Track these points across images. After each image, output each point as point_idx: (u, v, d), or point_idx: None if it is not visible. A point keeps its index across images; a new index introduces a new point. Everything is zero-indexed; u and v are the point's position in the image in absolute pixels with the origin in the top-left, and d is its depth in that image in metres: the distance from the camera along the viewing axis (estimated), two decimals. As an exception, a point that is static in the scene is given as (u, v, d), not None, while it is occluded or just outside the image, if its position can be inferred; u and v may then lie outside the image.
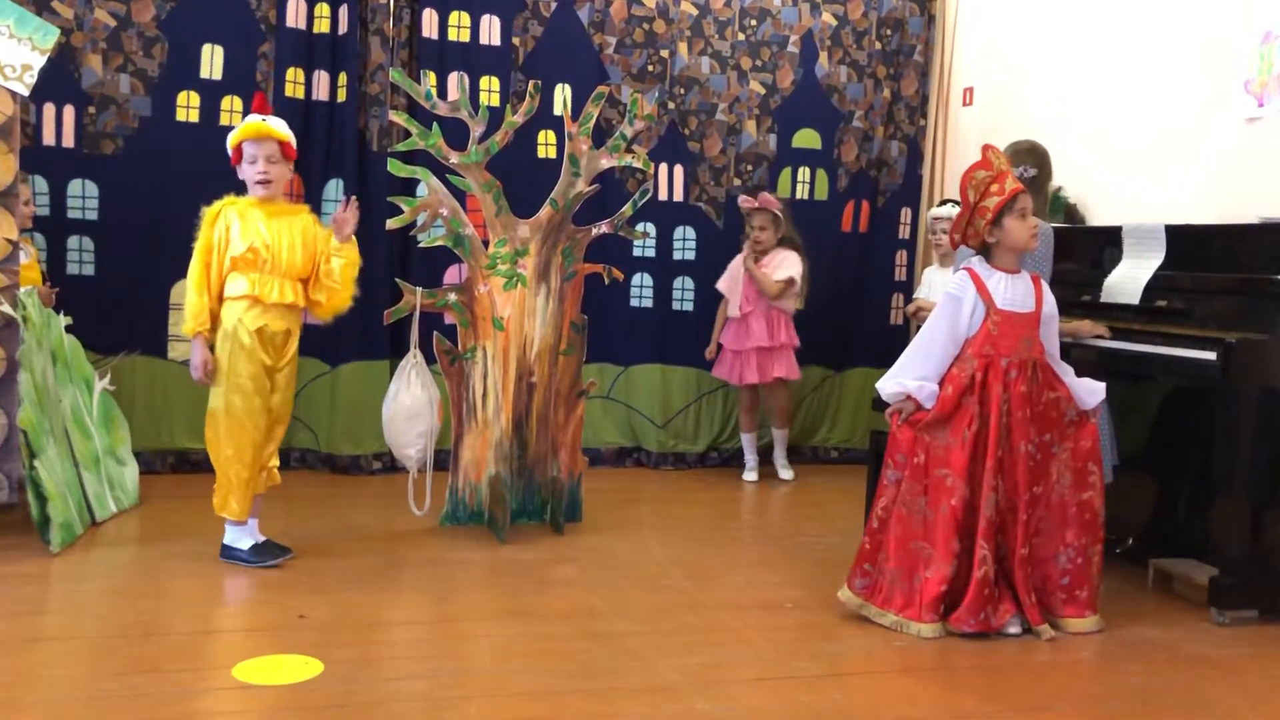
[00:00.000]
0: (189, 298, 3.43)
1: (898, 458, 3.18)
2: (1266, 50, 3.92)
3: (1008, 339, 3.11)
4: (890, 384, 3.21)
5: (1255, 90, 3.96)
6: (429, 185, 3.90)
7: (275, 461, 3.63)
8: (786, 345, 5.11)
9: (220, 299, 3.45)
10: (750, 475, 5.24)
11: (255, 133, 3.45)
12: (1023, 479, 3.09)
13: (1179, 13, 4.32)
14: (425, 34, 4.97)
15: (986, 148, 3.20)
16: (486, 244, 3.98)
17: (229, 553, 3.52)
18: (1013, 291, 3.15)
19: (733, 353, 5.13)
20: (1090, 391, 3.18)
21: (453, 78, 4.97)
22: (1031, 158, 3.66)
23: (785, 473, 5.30)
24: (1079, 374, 3.27)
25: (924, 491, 3.13)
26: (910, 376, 3.18)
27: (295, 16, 4.77)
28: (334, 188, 4.88)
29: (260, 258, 3.42)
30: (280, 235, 3.46)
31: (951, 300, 3.18)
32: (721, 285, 5.17)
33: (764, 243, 5.03)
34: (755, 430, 5.29)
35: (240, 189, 3.54)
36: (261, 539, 3.58)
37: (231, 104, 4.73)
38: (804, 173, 5.52)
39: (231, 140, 3.48)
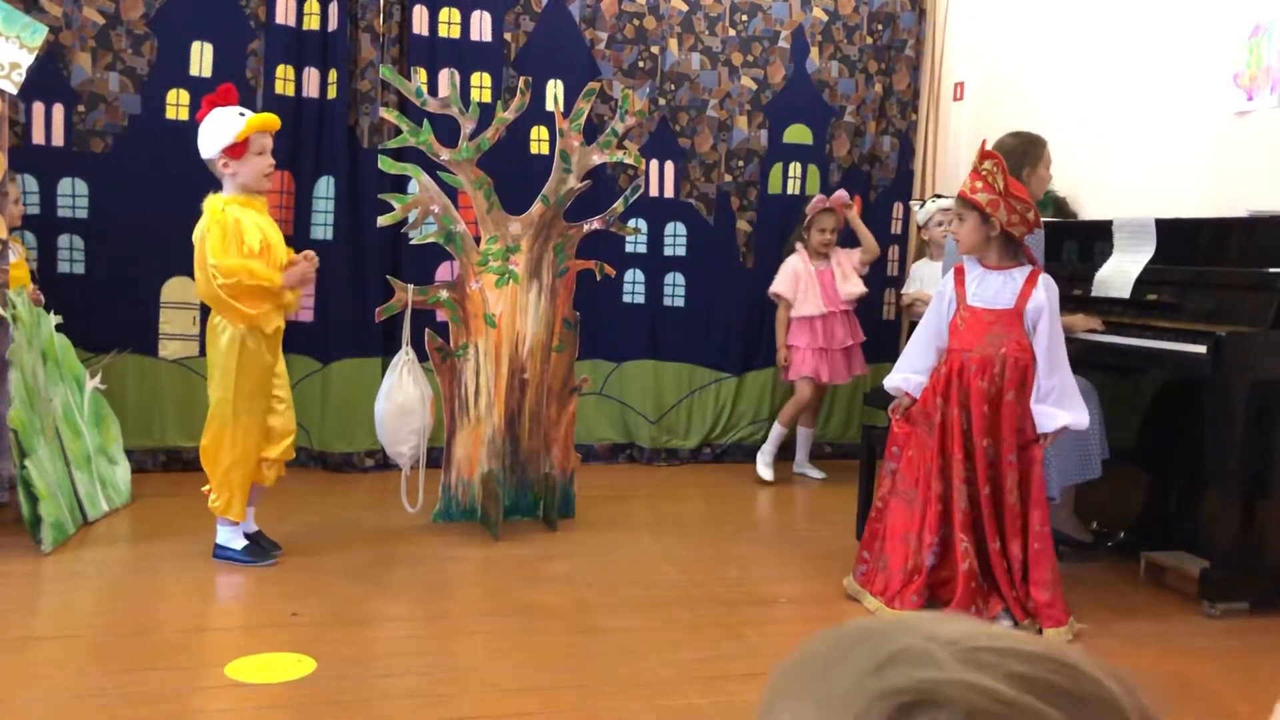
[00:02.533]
0: (250, 285, 3.28)
1: (893, 450, 3.26)
2: (1255, 44, 3.92)
3: (971, 334, 3.14)
4: (888, 379, 3.35)
5: (1244, 84, 3.97)
6: (420, 182, 3.89)
7: (292, 455, 3.62)
8: (859, 341, 5.15)
9: None
10: (768, 474, 5.09)
11: (269, 125, 3.41)
12: (980, 475, 3.11)
13: (1168, 6, 4.33)
14: (416, 30, 4.96)
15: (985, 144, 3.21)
16: (478, 241, 3.97)
17: (222, 552, 3.52)
18: (986, 288, 3.16)
19: (819, 351, 5.04)
20: (1045, 415, 3.06)
21: (443, 74, 4.92)
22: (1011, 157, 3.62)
23: (817, 472, 5.22)
24: (1071, 367, 3.26)
25: (915, 483, 3.18)
26: (902, 371, 3.30)
27: (285, 13, 4.76)
28: (325, 185, 4.87)
29: (265, 255, 3.38)
30: (273, 231, 3.45)
31: (937, 296, 3.30)
32: (782, 288, 5.06)
33: (830, 244, 5.05)
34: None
35: (216, 188, 3.43)
36: (254, 529, 3.59)
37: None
38: (795, 168, 5.52)
39: (240, 134, 3.33)
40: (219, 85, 3.52)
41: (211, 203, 3.37)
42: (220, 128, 3.36)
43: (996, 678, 0.51)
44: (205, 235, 3.32)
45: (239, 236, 3.31)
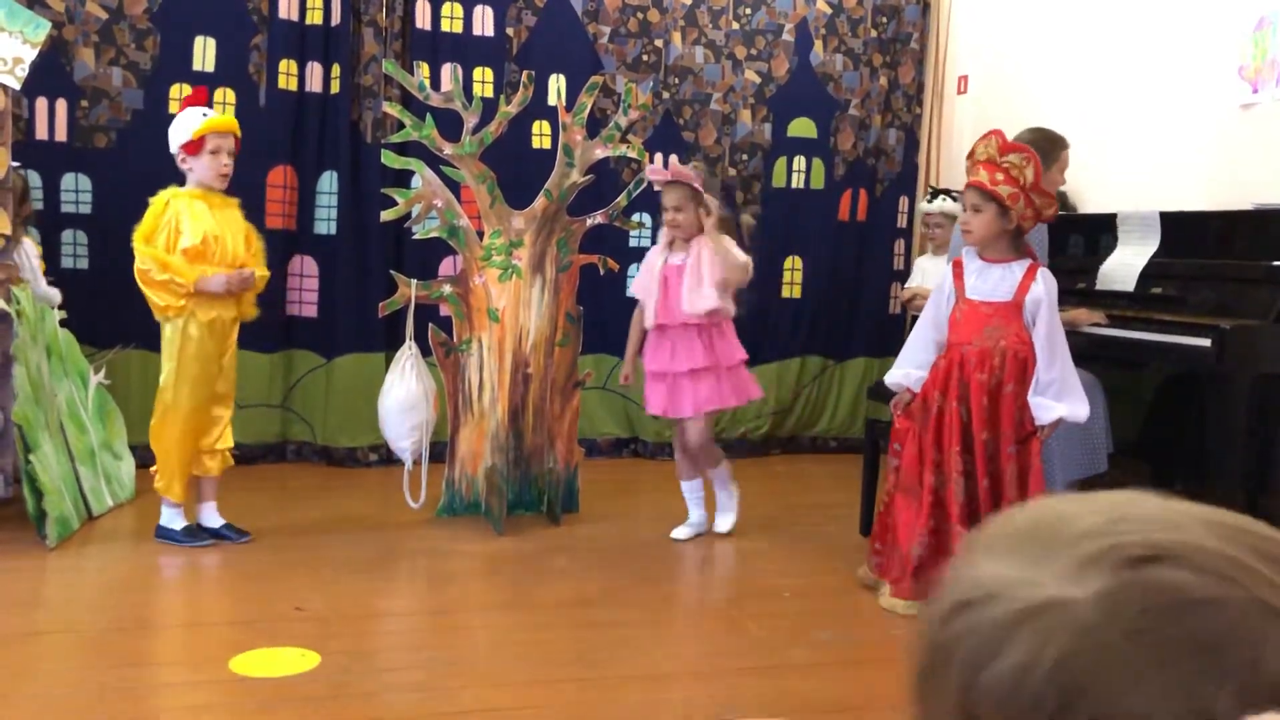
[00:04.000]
0: (160, 279, 3.41)
1: (895, 446, 3.27)
2: (1260, 36, 3.91)
3: (969, 326, 3.14)
4: (889, 375, 3.34)
5: (1249, 76, 3.95)
6: (423, 177, 3.89)
7: (230, 443, 3.74)
8: (733, 363, 3.81)
9: None
10: (684, 532, 3.92)
11: (224, 126, 3.56)
12: (980, 468, 3.11)
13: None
14: (418, 25, 4.95)
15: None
16: (481, 235, 3.97)
17: (163, 533, 3.62)
18: (985, 280, 3.15)
19: (658, 376, 3.81)
20: (1042, 408, 3.05)
21: (446, 69, 4.96)
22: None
23: (724, 522, 3.98)
24: (1075, 362, 3.26)
25: (917, 477, 3.18)
26: (902, 366, 3.30)
27: (287, 8, 4.76)
28: (328, 180, 4.87)
29: (210, 249, 3.50)
30: (224, 226, 3.56)
31: (936, 290, 3.30)
32: (637, 289, 3.91)
33: (681, 227, 3.73)
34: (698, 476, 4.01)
35: (154, 180, 3.60)
36: (219, 522, 3.70)
37: (224, 96, 4.72)
38: (799, 162, 5.51)
39: (196, 132, 3.48)
40: (195, 88, 3.70)
41: (160, 193, 3.55)
42: (183, 125, 3.54)
43: (1238, 548, 0.49)
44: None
45: (173, 229, 3.46)
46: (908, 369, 3.27)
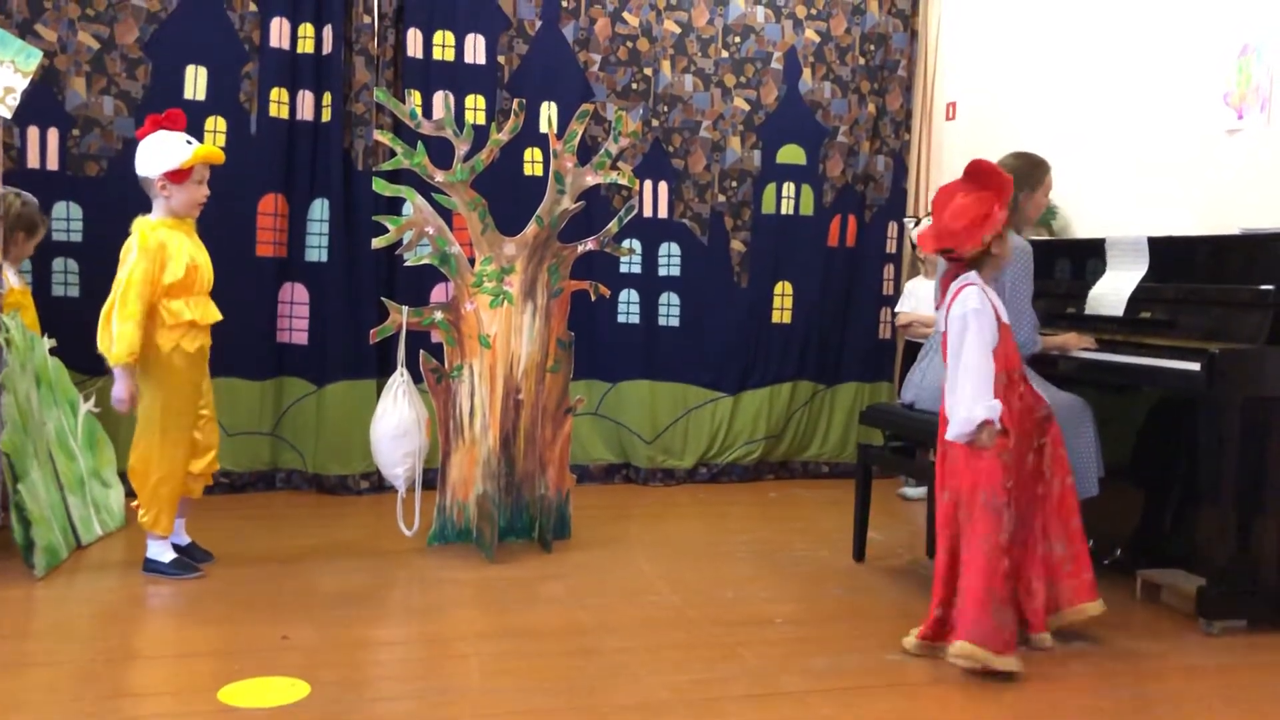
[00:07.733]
0: (124, 327, 3.34)
1: (1007, 485, 2.96)
2: (1245, 63, 3.95)
3: (1009, 349, 3.12)
4: (980, 411, 2.92)
5: (1234, 103, 4.00)
6: (414, 204, 3.90)
7: (217, 467, 3.75)
8: None
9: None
10: None
11: (215, 158, 3.54)
12: (1030, 483, 3.12)
13: (1159, 27, 4.36)
14: (410, 53, 4.98)
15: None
16: (473, 262, 3.98)
17: (152, 566, 3.57)
18: (999, 303, 3.16)
19: None
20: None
21: (438, 96, 4.98)
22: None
23: None
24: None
25: (1028, 514, 3.15)
26: (986, 402, 2.95)
27: (279, 37, 4.78)
28: (319, 208, 4.87)
29: (192, 278, 3.48)
30: (199, 254, 3.56)
31: (980, 316, 2.98)
32: None
33: None
34: None
35: (147, 208, 3.52)
36: (185, 540, 3.69)
37: (216, 124, 4.73)
38: (789, 188, 5.54)
39: (186, 162, 3.43)
40: (168, 110, 3.60)
41: (140, 225, 3.47)
42: (166, 150, 3.47)
43: None
44: (127, 258, 3.42)
45: (162, 264, 3.42)
46: (993, 403, 2.95)
